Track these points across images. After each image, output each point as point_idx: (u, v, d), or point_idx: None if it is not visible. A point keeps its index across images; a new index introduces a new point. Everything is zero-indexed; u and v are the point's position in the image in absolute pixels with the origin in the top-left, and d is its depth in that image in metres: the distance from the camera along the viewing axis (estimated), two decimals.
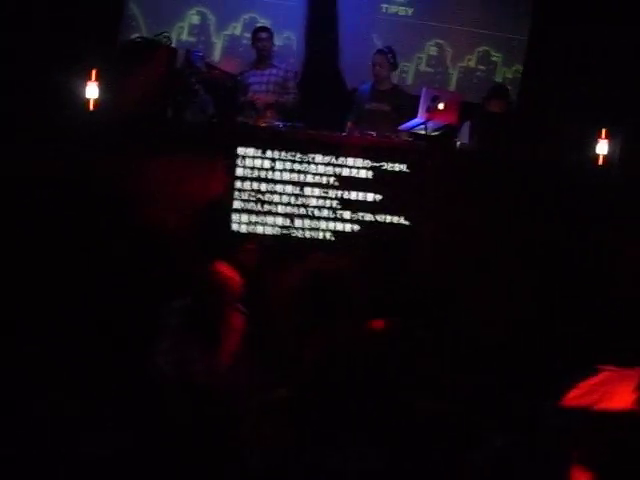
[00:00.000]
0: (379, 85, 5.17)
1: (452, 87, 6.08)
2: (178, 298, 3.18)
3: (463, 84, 6.04)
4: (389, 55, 5.13)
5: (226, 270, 3.14)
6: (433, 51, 6.09)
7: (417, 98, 4.74)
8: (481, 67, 6.10)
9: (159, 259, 4.08)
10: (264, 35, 5.17)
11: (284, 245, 4.22)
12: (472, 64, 6.09)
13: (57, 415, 3.22)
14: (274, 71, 5.14)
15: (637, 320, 3.65)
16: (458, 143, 4.83)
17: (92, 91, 4.37)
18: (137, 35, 5.63)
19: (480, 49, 6.07)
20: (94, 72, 4.39)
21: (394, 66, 5.22)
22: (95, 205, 4.16)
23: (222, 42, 5.83)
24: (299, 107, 5.15)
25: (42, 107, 4.27)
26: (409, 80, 6.07)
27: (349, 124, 5.06)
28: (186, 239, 4.12)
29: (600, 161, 4.67)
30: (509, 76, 6.08)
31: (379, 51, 5.18)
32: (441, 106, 4.69)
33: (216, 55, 5.82)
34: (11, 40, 4.55)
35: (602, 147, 4.64)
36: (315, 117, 4.90)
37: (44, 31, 4.77)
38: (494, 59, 6.10)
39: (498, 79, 6.03)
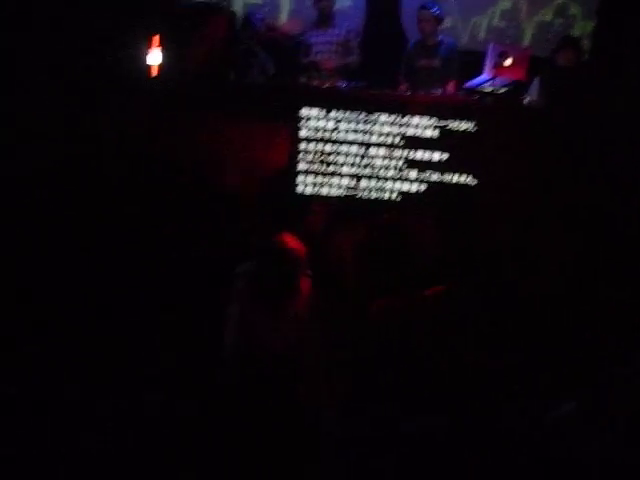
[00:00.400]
0: (426, 41, 5.07)
1: (526, 42, 5.86)
2: (243, 263, 3.18)
3: (538, 40, 5.81)
4: (433, 10, 5.00)
5: (291, 240, 3.12)
6: (507, 5, 5.87)
7: (478, 54, 4.62)
8: (558, 21, 5.83)
9: (226, 223, 4.10)
10: None
11: (350, 206, 4.18)
12: (548, 18, 5.84)
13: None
14: (336, 31, 5.06)
15: None
16: (527, 100, 4.67)
17: (155, 57, 4.37)
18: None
19: (558, 1, 5.81)
20: (156, 38, 4.39)
21: (439, 20, 5.08)
22: (161, 171, 4.19)
23: (288, 4, 5.76)
24: (361, 67, 5.06)
25: (105, 74, 4.29)
26: (482, 35, 5.90)
27: (401, 82, 4.99)
28: (252, 202, 4.13)
29: None
30: (589, 30, 5.79)
31: (422, 6, 5.03)
32: (508, 62, 4.53)
33: (283, 17, 5.75)
34: (70, 9, 4.57)
35: None
36: (376, 77, 4.82)
37: None
38: (572, 12, 5.82)
39: (576, 34, 5.76)
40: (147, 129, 4.19)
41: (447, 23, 5.62)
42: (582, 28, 5.82)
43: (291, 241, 3.12)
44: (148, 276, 3.89)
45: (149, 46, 4.34)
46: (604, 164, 4.14)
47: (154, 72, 4.40)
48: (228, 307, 3.12)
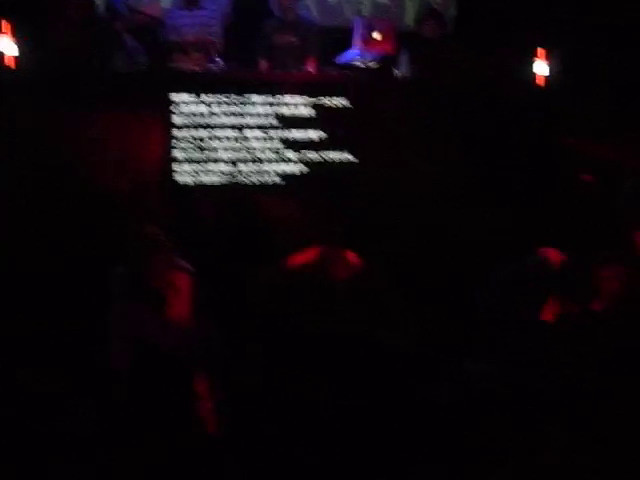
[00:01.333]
0: (285, 17, 4.88)
1: (409, 20, 5.92)
2: (119, 264, 3.05)
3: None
4: None
5: (155, 230, 3.00)
6: None
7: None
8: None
9: (104, 222, 3.92)
10: None
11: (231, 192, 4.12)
12: None
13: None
14: (201, 12, 4.89)
15: None
16: (397, 73, 4.75)
17: (5, 45, 4.07)
18: None
19: None
20: (5, 24, 4.09)
21: None
22: (28, 173, 3.95)
23: None
24: (225, 48, 4.90)
25: None
26: (366, 12, 5.90)
27: (261, 61, 4.85)
28: (130, 197, 3.98)
29: (538, 82, 4.65)
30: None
31: None
32: (377, 35, 4.58)
33: None
34: None
35: (540, 67, 4.61)
36: (240, 57, 4.72)
37: None
38: None
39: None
40: (6, 125, 3.93)
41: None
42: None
43: (155, 230, 3.00)
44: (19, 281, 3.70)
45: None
46: (475, 133, 4.30)
47: (9, 62, 4.11)
48: (107, 313, 3.00)
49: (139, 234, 2.94)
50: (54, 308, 3.63)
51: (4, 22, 4.09)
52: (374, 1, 5.97)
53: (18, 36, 4.11)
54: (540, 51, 4.55)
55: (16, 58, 4.09)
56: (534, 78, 4.55)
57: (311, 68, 4.77)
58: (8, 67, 4.07)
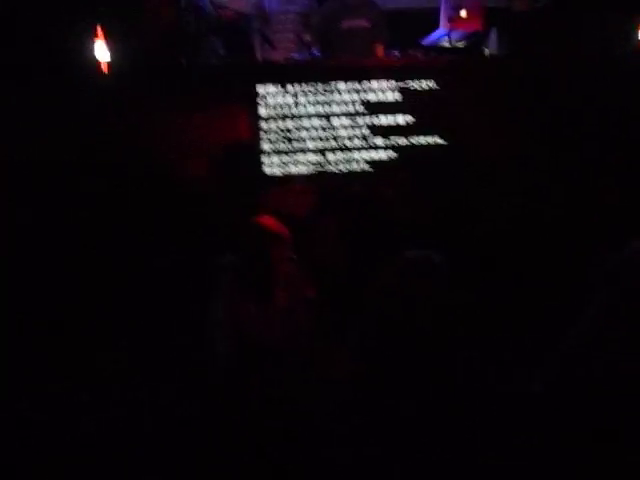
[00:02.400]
0: None
1: None
2: (225, 254, 3.06)
3: None
4: None
5: (270, 221, 3.00)
6: None
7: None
8: None
9: (196, 214, 3.98)
10: None
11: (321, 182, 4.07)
12: None
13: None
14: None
15: None
16: (487, 52, 4.57)
17: (102, 52, 4.19)
18: None
19: None
20: (99, 29, 4.20)
21: None
22: (123, 168, 4.05)
23: None
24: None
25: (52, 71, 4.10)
26: None
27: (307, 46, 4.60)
28: (221, 190, 4.01)
29: None
30: None
31: None
32: (463, 13, 4.43)
33: None
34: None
35: None
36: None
37: None
38: None
39: None
40: (104, 125, 4.04)
41: None
42: None
43: (270, 221, 3.00)
44: (122, 272, 3.79)
45: (94, 38, 4.15)
46: (575, 112, 4.07)
47: (104, 68, 4.23)
48: (211, 302, 3.00)
49: (257, 224, 2.94)
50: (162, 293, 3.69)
51: (99, 28, 4.21)
52: None
53: (110, 40, 4.22)
54: None
55: (109, 63, 4.20)
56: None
57: (380, 54, 4.60)
58: (102, 73, 4.19)
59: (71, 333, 3.60)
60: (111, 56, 4.21)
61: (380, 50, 4.63)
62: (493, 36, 4.55)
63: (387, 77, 4.11)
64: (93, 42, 4.11)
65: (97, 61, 4.06)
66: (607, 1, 4.43)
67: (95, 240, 3.91)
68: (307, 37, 4.69)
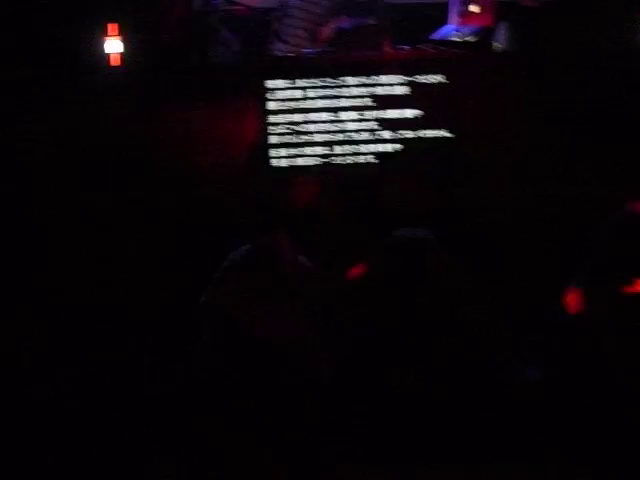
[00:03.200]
0: None
1: None
2: (241, 243, 3.06)
3: None
4: None
5: (284, 242, 2.97)
6: None
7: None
8: None
9: (209, 206, 4.04)
10: None
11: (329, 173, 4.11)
12: None
13: None
14: None
15: None
16: (496, 46, 4.56)
17: (114, 46, 4.27)
18: None
19: None
20: (114, 26, 4.29)
21: None
22: (134, 162, 4.13)
23: None
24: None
25: (64, 68, 4.19)
26: None
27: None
28: (231, 183, 4.07)
29: None
30: None
31: None
32: (474, 8, 4.43)
33: None
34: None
35: None
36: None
37: None
38: None
39: None
40: (115, 118, 4.12)
41: None
42: None
43: (284, 243, 2.97)
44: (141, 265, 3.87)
45: (105, 35, 4.24)
46: (579, 103, 4.07)
47: (115, 61, 4.31)
48: (210, 291, 3.02)
49: (269, 212, 2.97)
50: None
51: (110, 25, 4.29)
52: None
53: (124, 35, 4.30)
54: None
55: (121, 55, 4.28)
56: None
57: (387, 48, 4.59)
58: (114, 66, 4.27)
59: None
60: (124, 50, 4.28)
61: (386, 44, 4.64)
62: (503, 30, 4.54)
63: (397, 71, 4.14)
64: (105, 36, 4.19)
65: (107, 54, 4.13)
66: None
67: (106, 232, 3.99)
68: (324, 32, 4.69)
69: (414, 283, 2.39)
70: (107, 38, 4.21)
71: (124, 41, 4.28)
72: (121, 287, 3.87)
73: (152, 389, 3.44)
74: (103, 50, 4.17)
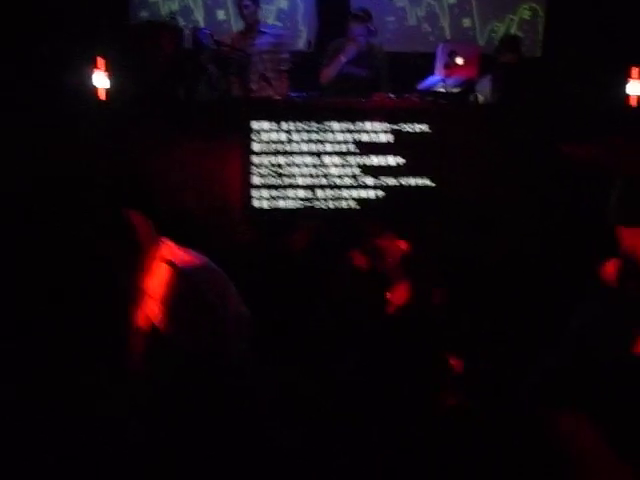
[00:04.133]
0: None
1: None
2: None
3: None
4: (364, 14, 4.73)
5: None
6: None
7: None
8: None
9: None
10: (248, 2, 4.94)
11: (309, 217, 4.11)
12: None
13: None
14: (264, 38, 4.92)
15: None
16: (480, 98, 4.65)
17: (100, 80, 4.29)
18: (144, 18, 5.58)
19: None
20: (101, 60, 4.31)
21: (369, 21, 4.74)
22: (114, 196, 4.10)
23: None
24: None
25: (52, 101, 4.19)
26: (447, 36, 5.92)
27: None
28: (208, 221, 4.05)
29: (632, 102, 4.42)
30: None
31: (354, 16, 4.75)
32: (460, 61, 4.51)
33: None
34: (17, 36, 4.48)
35: (633, 88, 4.38)
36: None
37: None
38: None
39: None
40: (99, 153, 4.10)
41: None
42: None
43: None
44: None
45: (94, 68, 4.26)
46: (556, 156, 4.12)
47: (102, 96, 4.32)
48: None
49: None
50: None
51: (99, 59, 4.31)
52: (456, 24, 5.90)
53: (112, 70, 4.32)
54: (635, 70, 4.34)
55: (107, 90, 4.29)
56: (626, 99, 4.34)
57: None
58: (101, 99, 4.28)
59: None
60: (111, 86, 4.30)
61: (379, 97, 4.70)
62: (487, 83, 4.63)
63: (381, 119, 4.18)
64: (93, 71, 4.20)
65: (96, 89, 4.14)
66: (594, 58, 4.52)
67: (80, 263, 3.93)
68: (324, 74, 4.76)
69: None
70: (95, 71, 4.23)
71: (111, 77, 4.31)
72: None
73: None
74: (91, 83, 4.18)
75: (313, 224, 4.13)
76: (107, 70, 4.33)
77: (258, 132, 4.12)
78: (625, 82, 4.37)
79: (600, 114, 4.13)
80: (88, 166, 4.04)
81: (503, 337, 3.44)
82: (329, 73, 4.78)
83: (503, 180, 4.11)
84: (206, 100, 4.50)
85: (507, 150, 4.16)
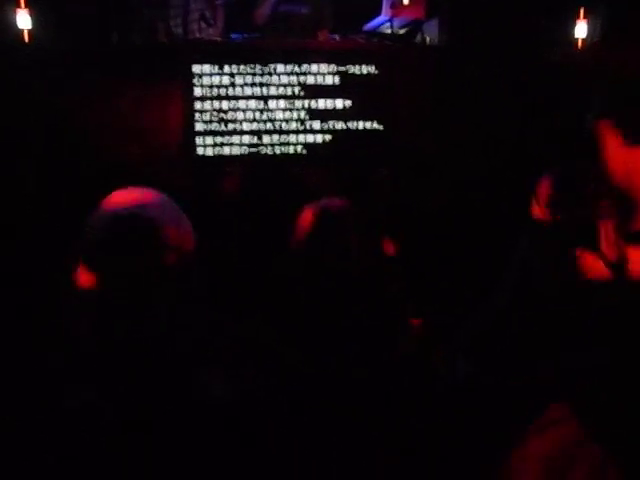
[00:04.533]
0: None
1: None
2: None
3: None
4: None
5: None
6: None
7: None
8: None
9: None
10: None
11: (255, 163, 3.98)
12: None
13: None
14: None
15: None
16: (427, 39, 4.55)
17: (24, 20, 3.96)
18: None
19: None
20: None
21: None
22: (49, 150, 3.88)
23: None
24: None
25: None
26: None
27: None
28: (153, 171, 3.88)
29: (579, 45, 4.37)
30: None
31: None
32: (406, 1, 4.40)
33: None
34: None
35: (581, 29, 4.33)
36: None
37: None
38: None
39: None
40: (30, 101, 3.86)
41: None
42: None
43: None
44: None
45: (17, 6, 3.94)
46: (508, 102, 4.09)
47: (23, 37, 4.01)
48: None
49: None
50: None
51: None
52: None
53: (33, 10, 4.00)
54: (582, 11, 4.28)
55: (29, 32, 3.99)
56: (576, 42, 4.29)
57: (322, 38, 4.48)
58: (23, 42, 3.98)
59: None
60: (36, 27, 3.99)
61: (323, 35, 4.52)
62: (434, 23, 4.52)
63: (328, 61, 4.04)
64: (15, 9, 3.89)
65: (20, 30, 3.85)
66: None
67: (22, 220, 3.73)
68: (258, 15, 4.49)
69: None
70: (18, 10, 3.91)
71: (33, 16, 3.99)
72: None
73: None
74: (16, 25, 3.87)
75: (239, 170, 4.00)
76: (28, 8, 4.01)
77: (200, 76, 3.94)
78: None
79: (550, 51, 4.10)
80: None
81: (453, 283, 3.43)
82: (263, 12, 4.51)
83: (451, 122, 4.05)
84: (142, 44, 4.25)
85: (455, 92, 4.10)
